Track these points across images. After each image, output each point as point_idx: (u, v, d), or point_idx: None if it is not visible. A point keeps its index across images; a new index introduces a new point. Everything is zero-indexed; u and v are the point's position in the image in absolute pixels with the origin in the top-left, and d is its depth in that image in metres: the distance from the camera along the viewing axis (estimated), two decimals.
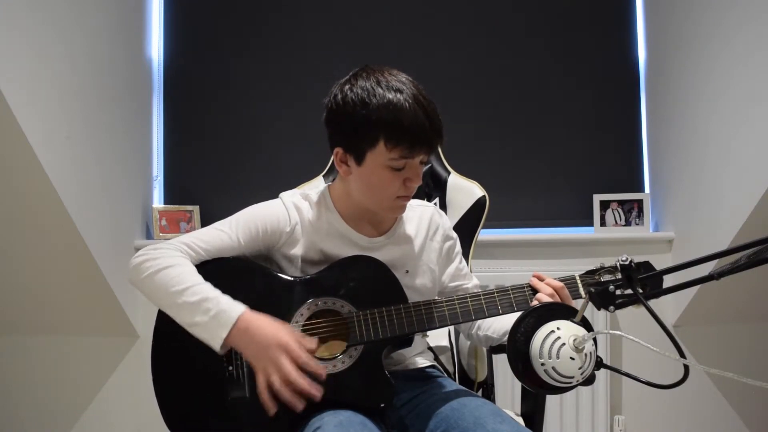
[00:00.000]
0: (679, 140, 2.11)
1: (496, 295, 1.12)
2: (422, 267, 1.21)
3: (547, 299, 1.08)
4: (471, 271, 1.52)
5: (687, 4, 2.04)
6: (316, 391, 0.98)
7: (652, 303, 0.86)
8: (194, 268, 1.06)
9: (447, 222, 1.31)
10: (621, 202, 2.22)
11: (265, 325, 1.00)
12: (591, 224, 2.24)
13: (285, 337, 0.99)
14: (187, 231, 2.20)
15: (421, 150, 1.06)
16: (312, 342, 1.01)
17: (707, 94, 1.95)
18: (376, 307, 1.09)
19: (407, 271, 1.19)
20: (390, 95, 1.04)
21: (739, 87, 1.79)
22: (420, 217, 1.26)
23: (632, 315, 1.90)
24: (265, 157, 2.33)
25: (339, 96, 1.09)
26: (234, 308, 1.00)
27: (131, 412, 2.23)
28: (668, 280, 0.90)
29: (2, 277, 1.98)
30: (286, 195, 1.20)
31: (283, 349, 0.98)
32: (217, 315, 0.99)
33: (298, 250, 1.14)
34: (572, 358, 0.89)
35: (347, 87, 1.08)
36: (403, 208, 1.15)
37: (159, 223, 2.23)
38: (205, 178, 2.35)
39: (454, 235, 1.31)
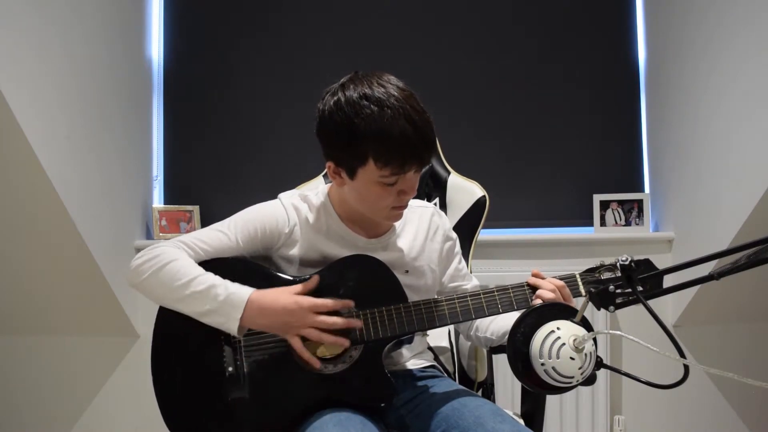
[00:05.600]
0: (679, 140, 2.11)
1: (496, 294, 1.12)
2: (422, 267, 1.21)
3: (549, 295, 1.08)
4: (471, 272, 1.53)
5: (687, 4, 2.04)
6: (355, 323, 1.05)
7: (652, 303, 0.86)
8: (194, 261, 1.07)
9: (447, 223, 1.31)
10: (621, 202, 2.22)
11: (275, 297, 1.03)
12: (591, 224, 2.24)
13: (298, 299, 1.03)
14: (187, 231, 2.20)
15: (412, 166, 1.04)
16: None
17: (707, 94, 1.95)
18: (376, 306, 1.09)
19: (407, 271, 1.19)
20: (377, 111, 1.00)
21: (740, 87, 1.79)
22: (420, 217, 1.26)
23: (632, 315, 1.90)
24: (265, 157, 2.33)
25: (326, 110, 1.06)
26: (242, 290, 1.03)
27: (131, 412, 2.23)
28: (668, 280, 0.91)
29: (2, 277, 1.98)
30: (284, 196, 1.20)
31: (304, 309, 1.02)
32: (227, 298, 1.01)
33: (296, 251, 1.14)
34: (572, 358, 0.89)
35: (334, 100, 1.05)
36: (399, 216, 1.14)
37: (159, 223, 2.23)
38: (205, 178, 2.35)
39: (454, 235, 1.31)
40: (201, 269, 1.05)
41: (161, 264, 1.04)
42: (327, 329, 1.03)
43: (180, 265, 1.04)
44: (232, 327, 1.01)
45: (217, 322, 1.01)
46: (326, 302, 1.04)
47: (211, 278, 1.03)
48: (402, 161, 1.02)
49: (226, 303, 1.00)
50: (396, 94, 1.02)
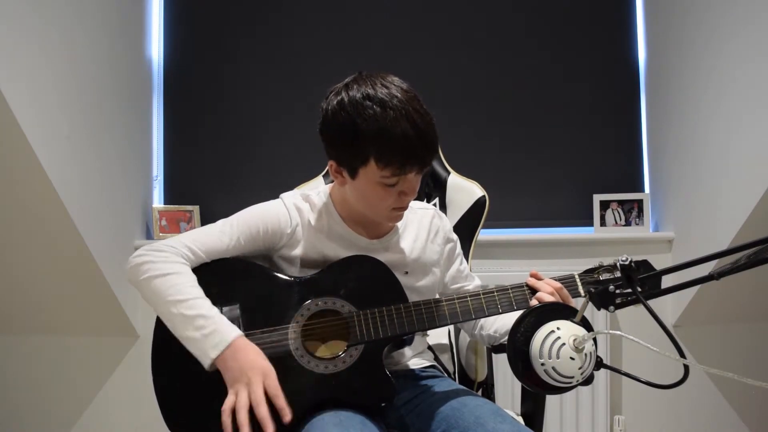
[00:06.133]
0: (679, 140, 2.11)
1: (495, 294, 1.12)
2: (422, 269, 1.21)
3: (548, 298, 1.08)
4: (471, 271, 1.53)
5: (687, 4, 2.04)
6: (270, 428, 0.94)
7: (652, 303, 0.86)
8: (194, 278, 1.05)
9: (447, 224, 1.31)
10: (621, 202, 2.22)
11: (253, 353, 0.99)
12: (591, 224, 2.24)
13: (268, 367, 0.98)
14: (187, 231, 2.19)
15: (413, 167, 1.04)
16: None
17: (707, 94, 1.95)
18: (376, 306, 1.09)
19: (407, 273, 1.19)
20: (379, 112, 1.00)
21: (740, 87, 1.79)
22: (420, 219, 1.26)
23: (632, 315, 1.90)
24: (265, 157, 2.33)
25: (329, 110, 1.06)
26: (229, 332, 0.99)
27: (131, 412, 2.23)
28: (668, 280, 0.91)
29: (2, 276, 1.98)
30: (286, 196, 1.20)
31: (262, 375, 0.97)
32: (210, 335, 0.98)
33: (298, 251, 1.14)
34: (572, 358, 0.89)
35: (337, 100, 1.05)
36: (399, 218, 1.14)
37: (159, 223, 2.23)
38: (205, 178, 2.35)
39: (455, 237, 1.31)
40: (198, 291, 1.03)
41: (160, 273, 1.03)
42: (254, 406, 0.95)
43: (177, 280, 1.02)
44: (204, 362, 0.99)
45: (192, 351, 1.00)
46: (278, 396, 0.97)
47: (204, 306, 1.01)
48: (403, 162, 1.02)
49: (206, 339, 0.98)
50: (399, 95, 1.02)
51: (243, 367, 0.97)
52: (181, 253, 1.07)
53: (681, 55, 2.08)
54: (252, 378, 0.96)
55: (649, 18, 2.27)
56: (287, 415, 0.97)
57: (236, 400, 0.96)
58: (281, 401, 0.97)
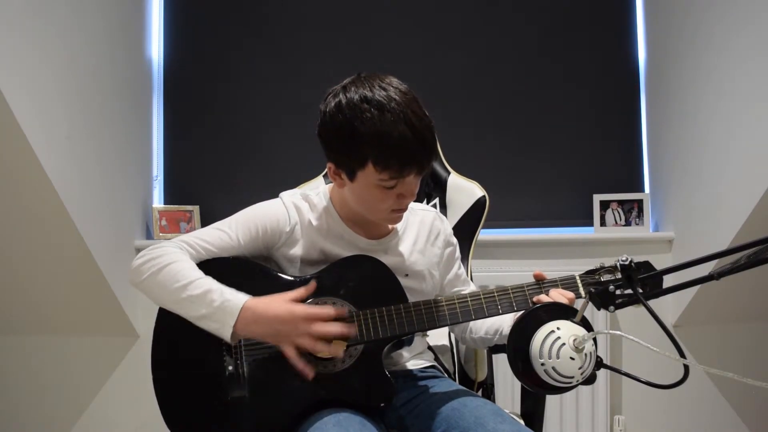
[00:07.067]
0: (679, 140, 2.11)
1: (495, 294, 1.12)
2: (422, 272, 1.21)
3: (547, 299, 1.08)
4: (471, 272, 1.53)
5: (687, 4, 2.04)
6: (348, 329, 1.00)
7: (652, 303, 0.86)
8: (194, 264, 1.06)
9: (448, 228, 1.31)
10: (621, 202, 2.22)
11: (268, 304, 1.00)
12: (591, 224, 2.24)
13: (291, 308, 1.00)
14: (187, 231, 2.19)
15: (411, 171, 1.03)
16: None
17: (707, 94, 1.95)
18: (376, 306, 1.09)
19: (406, 275, 1.18)
20: (377, 115, 1.00)
21: (740, 87, 1.79)
22: (421, 221, 1.26)
23: (632, 315, 1.90)
24: (265, 157, 2.33)
25: (327, 112, 1.06)
26: (238, 297, 1.01)
27: (131, 412, 2.23)
28: (668, 280, 0.91)
29: (2, 277, 1.98)
30: (286, 195, 1.20)
31: (297, 318, 0.99)
32: (222, 304, 0.99)
33: (297, 250, 1.14)
34: (572, 358, 0.89)
35: (335, 102, 1.04)
36: (399, 219, 1.14)
37: (159, 223, 2.23)
38: (205, 178, 2.35)
39: (455, 240, 1.31)
40: (200, 273, 1.03)
41: (161, 265, 1.03)
42: (321, 338, 1.00)
43: (179, 267, 1.03)
44: (225, 334, 0.99)
45: (211, 328, 1.00)
46: (321, 311, 1.01)
47: (208, 283, 1.02)
48: (401, 166, 1.02)
49: (221, 309, 0.99)
50: (397, 97, 1.02)
51: (273, 325, 0.99)
52: (180, 246, 1.08)
53: (681, 55, 2.08)
54: (292, 328, 0.99)
55: (649, 18, 2.27)
56: (350, 330, 1.02)
57: (300, 347, 1.00)
58: (334, 329, 1.00)
